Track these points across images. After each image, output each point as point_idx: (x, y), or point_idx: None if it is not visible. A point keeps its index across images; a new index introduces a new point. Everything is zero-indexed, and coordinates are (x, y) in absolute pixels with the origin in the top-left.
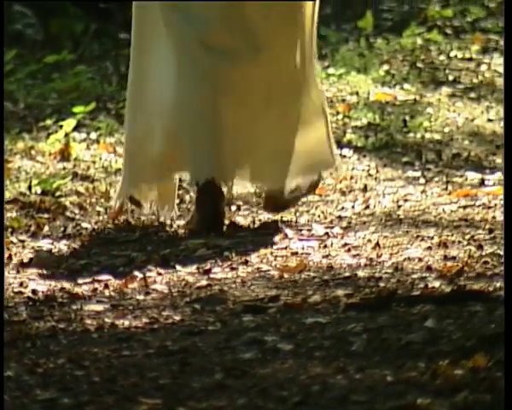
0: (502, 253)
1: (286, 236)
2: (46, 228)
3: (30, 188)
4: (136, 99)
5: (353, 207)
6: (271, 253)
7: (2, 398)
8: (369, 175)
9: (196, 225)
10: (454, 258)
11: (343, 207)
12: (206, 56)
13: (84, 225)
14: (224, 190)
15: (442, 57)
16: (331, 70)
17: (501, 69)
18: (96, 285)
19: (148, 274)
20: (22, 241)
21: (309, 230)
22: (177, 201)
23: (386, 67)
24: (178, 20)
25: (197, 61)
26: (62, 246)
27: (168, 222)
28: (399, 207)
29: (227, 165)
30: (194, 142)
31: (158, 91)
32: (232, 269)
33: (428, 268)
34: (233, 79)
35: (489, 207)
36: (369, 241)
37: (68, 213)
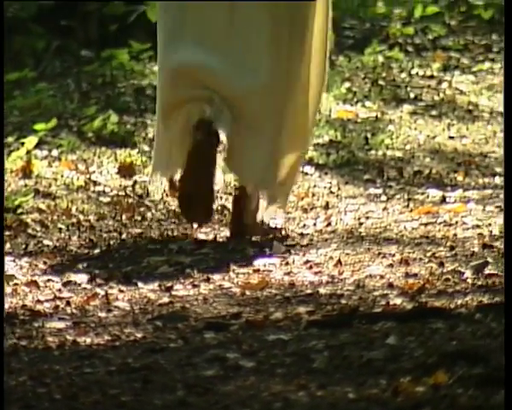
0: (463, 270)
1: (247, 253)
2: (8, 245)
3: None
4: None
5: (315, 224)
6: (233, 270)
7: (3, 398)
8: (331, 192)
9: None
10: (415, 275)
11: (305, 225)
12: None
13: (46, 242)
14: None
15: (403, 75)
16: None
17: (462, 87)
18: (58, 302)
19: (109, 291)
20: None
21: (270, 247)
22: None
23: (347, 84)
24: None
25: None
26: (24, 263)
27: None
28: (361, 224)
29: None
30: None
31: None
32: (194, 286)
33: (390, 285)
34: None
35: (450, 225)
36: (331, 258)
37: (30, 231)
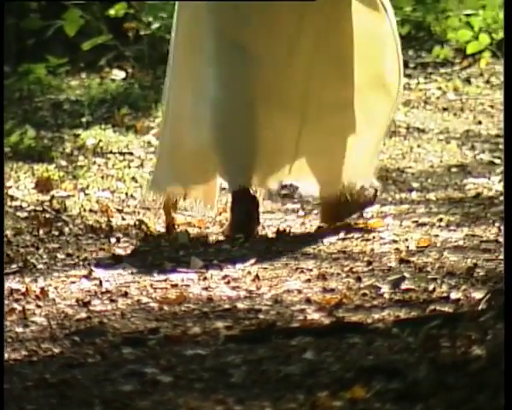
0: (380, 285)
1: (165, 267)
2: None
3: None
4: (180, 96)
5: (233, 239)
6: (151, 285)
7: (3, 397)
8: None
9: (230, 229)
10: (333, 290)
11: (223, 240)
12: (244, 59)
13: None
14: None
15: None
16: None
17: None
18: None
19: (27, 307)
20: None
21: (188, 261)
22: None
23: None
24: (218, 22)
25: (235, 63)
26: None
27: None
28: (279, 239)
29: (262, 170)
30: (229, 146)
31: (199, 92)
32: (112, 301)
33: (307, 300)
34: (269, 83)
35: (367, 240)
36: (249, 273)
37: None
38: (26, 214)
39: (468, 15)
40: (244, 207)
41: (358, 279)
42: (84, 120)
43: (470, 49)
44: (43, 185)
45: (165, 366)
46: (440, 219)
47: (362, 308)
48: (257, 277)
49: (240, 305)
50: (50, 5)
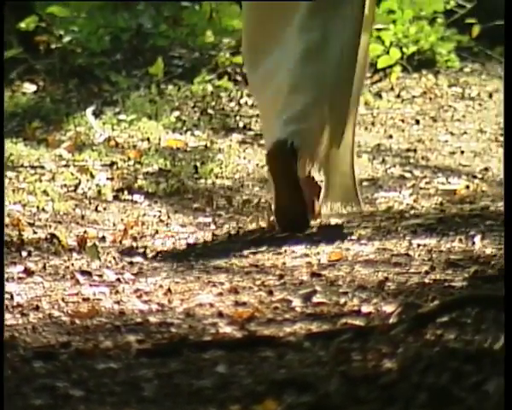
0: (291, 298)
1: (77, 281)
2: None
3: None
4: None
5: (145, 252)
6: (63, 299)
7: (3, 398)
8: (161, 221)
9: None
10: (245, 304)
11: (134, 253)
12: None
13: None
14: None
15: (232, 104)
16: (122, 116)
17: None
18: None
19: None
20: None
21: (100, 275)
22: None
23: (176, 113)
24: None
25: None
26: None
27: None
28: (190, 253)
29: None
30: None
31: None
32: (23, 315)
33: (219, 314)
34: None
35: (279, 253)
36: (161, 286)
37: None
38: None
39: (378, 30)
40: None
41: (270, 293)
42: None
43: (381, 64)
44: None
45: (76, 380)
46: (351, 233)
47: (274, 322)
48: (169, 290)
49: (152, 319)
50: None
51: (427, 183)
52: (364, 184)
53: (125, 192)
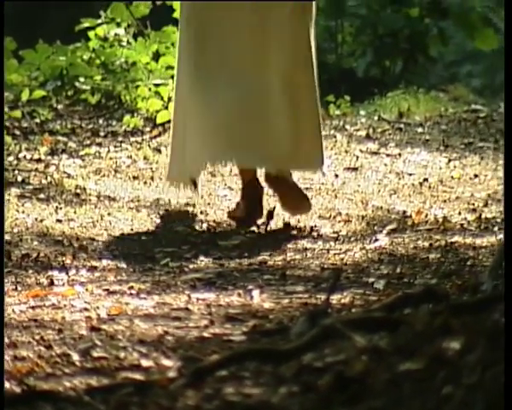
0: (71, 353)
1: None
2: None
3: None
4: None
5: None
6: None
7: (3, 398)
8: None
9: (241, 212)
10: (24, 358)
11: None
12: None
13: None
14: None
15: (11, 158)
16: None
17: (69, 170)
18: None
19: None
20: None
21: None
22: None
23: None
24: None
25: None
26: None
27: None
28: None
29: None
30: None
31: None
32: None
33: None
34: None
35: (59, 308)
36: None
37: None
38: None
39: (157, 85)
40: (254, 194)
41: (50, 347)
42: None
43: (160, 119)
44: None
45: None
46: (131, 287)
47: (53, 376)
48: None
49: None
50: None
51: (204, 237)
52: (143, 238)
53: None
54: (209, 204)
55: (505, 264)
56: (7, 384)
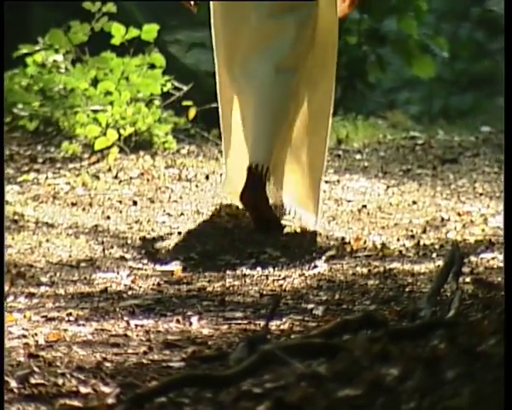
0: (9, 380)
1: None
2: None
3: None
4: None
5: None
6: None
7: (3, 399)
8: None
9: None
10: None
11: None
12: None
13: None
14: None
15: None
16: None
17: (7, 197)
18: None
19: None
20: None
21: None
22: None
23: None
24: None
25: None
26: None
27: None
28: None
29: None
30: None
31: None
32: None
33: None
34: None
35: None
36: None
37: None
38: None
39: (95, 112)
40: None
41: None
42: None
43: (98, 145)
44: None
45: None
46: (69, 314)
47: None
48: None
49: None
50: None
51: (144, 264)
52: (82, 264)
53: None
54: (147, 230)
55: (505, 264)
56: None
